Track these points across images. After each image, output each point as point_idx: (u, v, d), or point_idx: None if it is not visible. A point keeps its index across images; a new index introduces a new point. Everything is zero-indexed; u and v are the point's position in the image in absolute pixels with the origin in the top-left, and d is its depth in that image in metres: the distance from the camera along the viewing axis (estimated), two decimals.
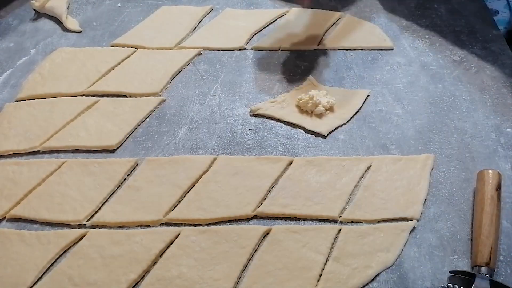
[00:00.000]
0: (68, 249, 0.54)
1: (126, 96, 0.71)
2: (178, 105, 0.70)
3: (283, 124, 0.66)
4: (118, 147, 0.64)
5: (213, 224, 0.56)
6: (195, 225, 0.56)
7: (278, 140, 0.64)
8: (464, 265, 0.52)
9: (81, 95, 0.71)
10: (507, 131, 0.64)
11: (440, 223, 0.55)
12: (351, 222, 0.56)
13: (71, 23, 0.84)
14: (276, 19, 0.84)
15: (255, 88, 0.72)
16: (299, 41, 0.79)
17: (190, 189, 0.59)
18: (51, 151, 0.64)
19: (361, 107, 0.68)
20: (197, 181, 0.59)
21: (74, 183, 0.59)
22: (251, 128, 0.66)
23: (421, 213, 0.56)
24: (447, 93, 0.70)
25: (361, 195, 0.57)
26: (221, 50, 0.78)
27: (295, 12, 0.85)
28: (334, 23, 0.82)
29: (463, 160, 0.61)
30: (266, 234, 0.55)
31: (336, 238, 0.54)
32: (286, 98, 0.69)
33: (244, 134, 0.65)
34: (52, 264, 0.53)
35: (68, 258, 0.53)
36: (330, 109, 0.67)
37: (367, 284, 0.50)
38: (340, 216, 0.56)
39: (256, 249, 0.53)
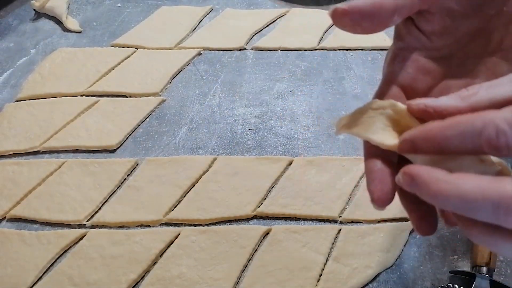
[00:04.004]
0: (68, 249, 0.54)
1: (126, 96, 0.71)
2: (178, 105, 0.70)
3: (283, 124, 0.66)
4: (118, 147, 0.64)
5: (213, 224, 0.56)
6: (195, 225, 0.56)
7: (278, 140, 0.64)
8: (464, 265, 0.52)
9: (81, 95, 0.71)
10: None
11: (440, 223, 0.55)
12: (351, 222, 0.56)
13: (71, 23, 0.84)
14: (276, 19, 0.84)
15: (255, 88, 0.72)
16: (299, 41, 0.79)
17: (190, 189, 0.59)
18: (51, 151, 0.64)
19: None
20: (197, 181, 0.59)
21: (74, 183, 0.59)
22: (251, 128, 0.66)
23: None
24: None
25: (361, 195, 0.57)
26: (221, 50, 0.78)
27: (295, 12, 0.85)
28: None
29: None
30: (266, 234, 0.55)
31: (336, 238, 0.54)
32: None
33: (244, 134, 0.65)
34: (52, 264, 0.53)
35: (68, 258, 0.53)
36: None
37: (367, 284, 0.50)
38: (340, 216, 0.56)
39: (256, 249, 0.53)
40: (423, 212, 0.29)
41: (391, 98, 0.30)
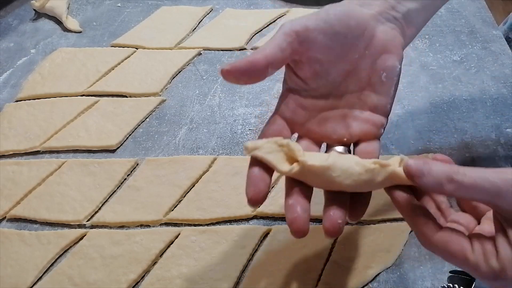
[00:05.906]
0: (68, 249, 0.54)
1: (126, 96, 0.71)
2: (178, 105, 0.70)
3: None
4: (118, 147, 0.64)
5: (213, 224, 0.56)
6: (195, 225, 0.56)
7: None
8: None
9: (81, 95, 0.71)
10: (507, 131, 0.64)
11: None
12: None
13: (71, 23, 0.84)
14: (276, 19, 0.84)
15: (255, 88, 0.72)
16: None
17: (190, 189, 0.59)
18: (51, 151, 0.64)
19: None
20: (197, 181, 0.59)
21: (74, 183, 0.59)
22: (251, 128, 0.66)
23: None
24: (447, 93, 0.70)
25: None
26: (221, 50, 0.78)
27: (295, 12, 0.85)
28: None
29: (463, 160, 0.61)
30: (266, 234, 0.55)
31: (336, 238, 0.54)
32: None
33: (244, 134, 0.65)
34: (52, 264, 0.53)
35: (68, 258, 0.53)
36: None
37: (367, 284, 0.50)
38: None
39: (256, 249, 0.53)
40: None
41: (276, 128, 0.39)
